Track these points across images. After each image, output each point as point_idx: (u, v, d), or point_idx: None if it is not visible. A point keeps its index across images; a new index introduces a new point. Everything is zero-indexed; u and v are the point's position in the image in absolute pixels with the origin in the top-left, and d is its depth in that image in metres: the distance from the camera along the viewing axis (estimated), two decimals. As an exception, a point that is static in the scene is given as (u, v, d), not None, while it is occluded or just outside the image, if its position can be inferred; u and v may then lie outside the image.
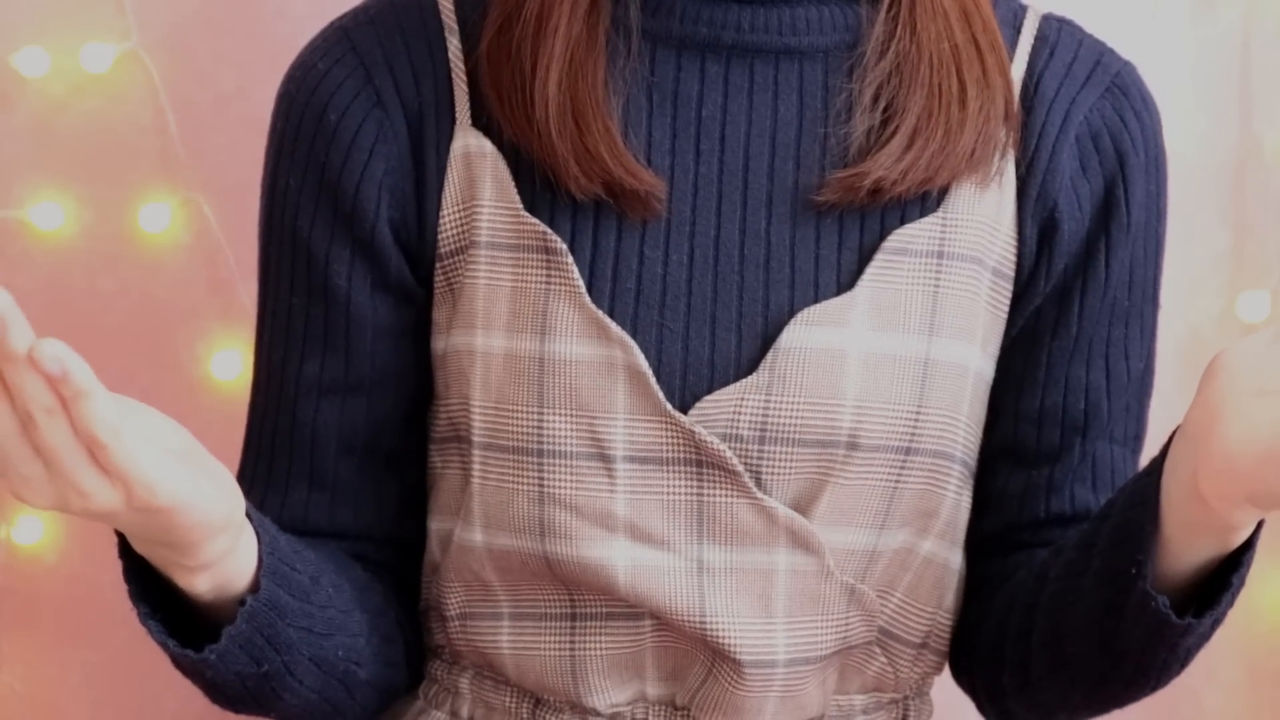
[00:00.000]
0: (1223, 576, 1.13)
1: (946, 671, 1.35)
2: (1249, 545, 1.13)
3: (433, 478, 1.28)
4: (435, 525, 1.28)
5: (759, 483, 1.20)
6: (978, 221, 1.25)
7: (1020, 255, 1.27)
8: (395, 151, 1.23)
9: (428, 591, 1.30)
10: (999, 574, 1.30)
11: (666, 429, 1.19)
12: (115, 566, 1.11)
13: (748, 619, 1.21)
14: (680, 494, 1.20)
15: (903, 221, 1.23)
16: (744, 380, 1.20)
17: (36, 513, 1.69)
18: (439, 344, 1.25)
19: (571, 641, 1.24)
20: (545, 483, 1.20)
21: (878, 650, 1.27)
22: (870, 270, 1.22)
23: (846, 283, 1.22)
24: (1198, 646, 1.17)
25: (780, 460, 1.20)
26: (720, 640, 1.21)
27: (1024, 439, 1.29)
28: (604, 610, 1.23)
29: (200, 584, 1.09)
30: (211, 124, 1.66)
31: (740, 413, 1.20)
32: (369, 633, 1.23)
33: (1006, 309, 1.27)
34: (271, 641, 1.13)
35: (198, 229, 1.67)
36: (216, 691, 1.15)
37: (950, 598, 1.29)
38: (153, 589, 1.11)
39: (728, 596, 1.21)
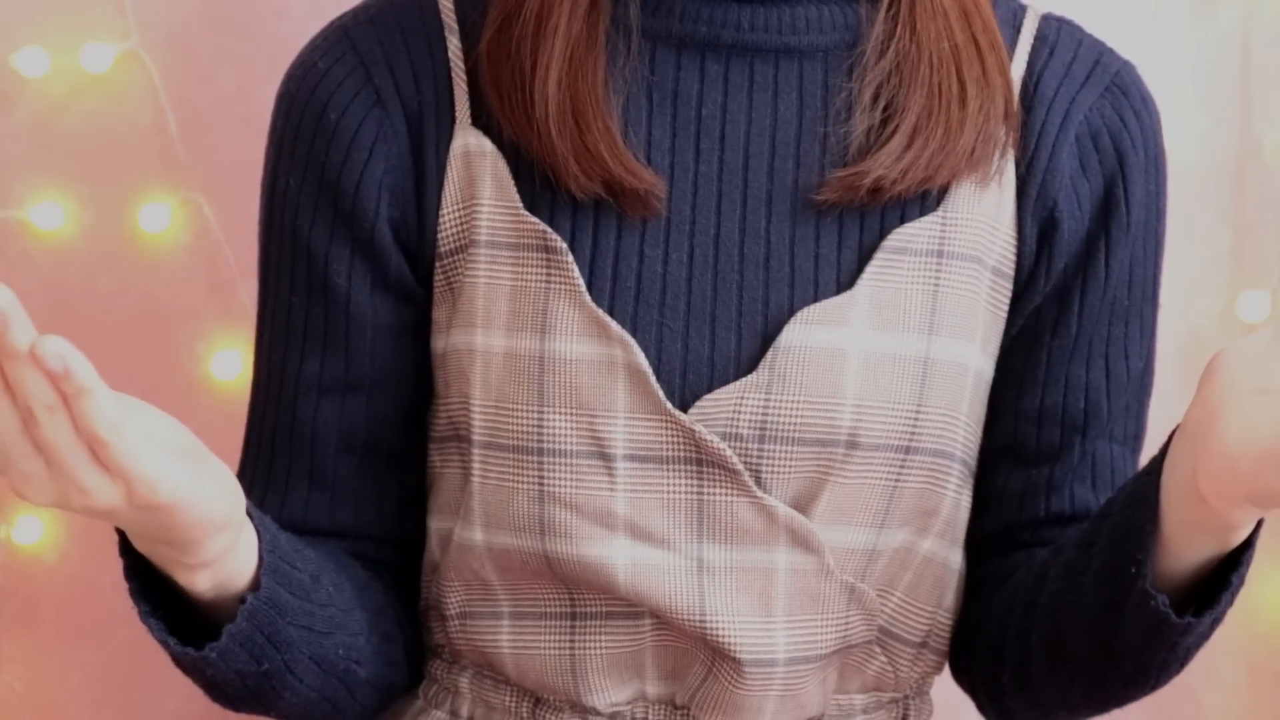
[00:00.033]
0: (1222, 576, 1.13)
1: (946, 671, 1.35)
2: (1248, 544, 1.13)
3: (432, 477, 1.29)
4: (435, 524, 1.28)
5: (759, 481, 1.21)
6: (977, 221, 1.25)
7: (1020, 254, 1.27)
8: (395, 150, 1.23)
9: (427, 591, 1.30)
10: (999, 573, 1.30)
11: (666, 428, 1.19)
12: (115, 566, 1.11)
13: (747, 618, 1.21)
14: (680, 493, 1.20)
15: (902, 221, 1.23)
16: (744, 379, 1.20)
17: (36, 513, 1.69)
18: (439, 343, 1.25)
19: (571, 641, 1.24)
20: (545, 481, 1.20)
21: (878, 649, 1.27)
22: (870, 269, 1.22)
23: (846, 282, 1.22)
24: (1197, 646, 1.17)
25: (780, 459, 1.20)
26: (720, 639, 1.21)
27: (1024, 438, 1.29)
28: (604, 609, 1.23)
29: (201, 582, 1.09)
30: (211, 124, 1.66)
31: (740, 411, 1.20)
32: (369, 631, 1.23)
33: (1006, 308, 1.27)
34: (272, 640, 1.13)
35: (198, 229, 1.67)
36: (217, 690, 1.16)
37: (950, 597, 1.29)
38: (153, 587, 1.11)
39: (727, 595, 1.21)
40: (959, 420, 1.24)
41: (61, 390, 0.95)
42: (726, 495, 1.20)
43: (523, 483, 1.21)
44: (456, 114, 1.23)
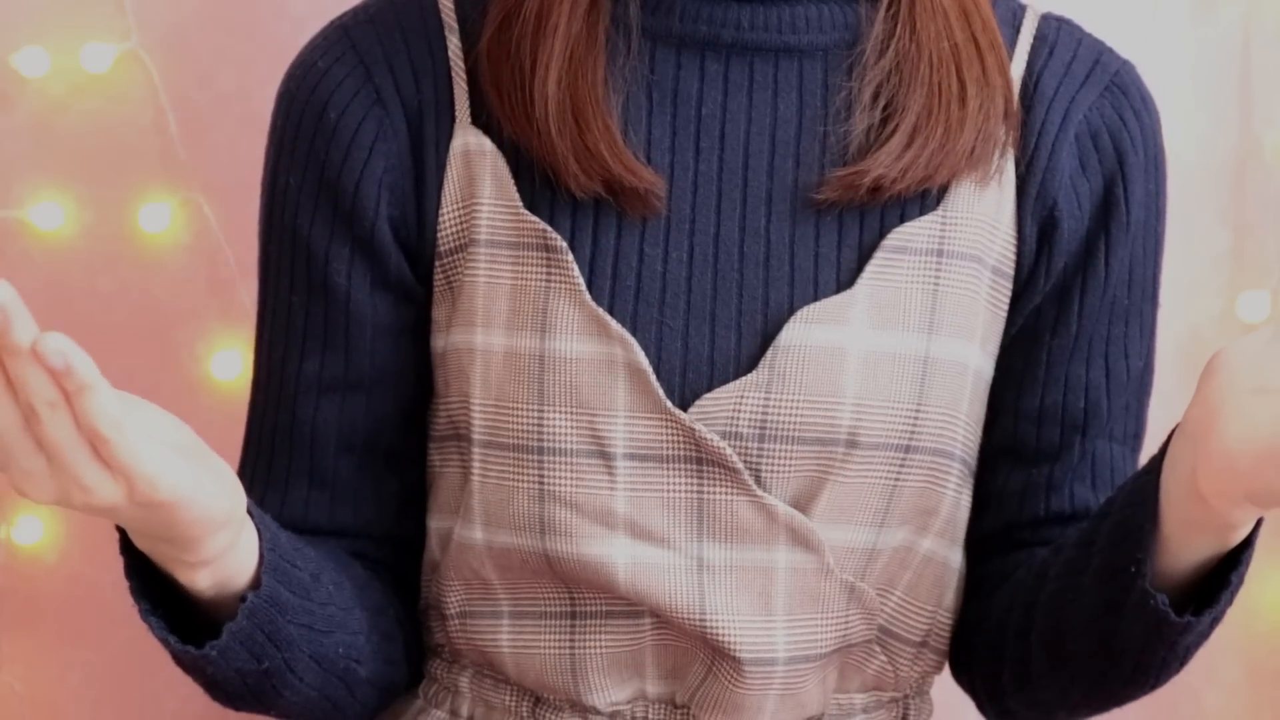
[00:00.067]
0: (1222, 575, 1.14)
1: (946, 671, 1.35)
2: (1248, 543, 1.13)
3: (432, 476, 1.29)
4: (435, 524, 1.28)
5: (759, 480, 1.21)
6: (977, 220, 1.25)
7: (1020, 254, 1.27)
8: (395, 149, 1.23)
9: (427, 590, 1.30)
10: (999, 573, 1.30)
11: (666, 426, 1.19)
12: (115, 566, 1.11)
13: (747, 617, 1.21)
14: (680, 491, 1.20)
15: (902, 220, 1.23)
16: (744, 378, 1.20)
17: (36, 513, 1.69)
18: (438, 342, 1.25)
19: (571, 640, 1.24)
20: (545, 480, 1.20)
21: (878, 649, 1.27)
22: (870, 268, 1.22)
23: (846, 281, 1.22)
24: (1197, 645, 1.17)
25: (780, 458, 1.20)
26: (720, 638, 1.21)
27: (1024, 437, 1.29)
28: (604, 608, 1.23)
29: (201, 580, 1.09)
30: (211, 124, 1.66)
31: (740, 410, 1.20)
32: (369, 630, 1.23)
33: (1006, 307, 1.27)
34: (272, 638, 1.13)
35: (198, 229, 1.67)
36: (217, 688, 1.16)
37: (950, 596, 1.29)
38: (154, 586, 1.11)
39: (727, 594, 1.21)
40: (959, 419, 1.24)
41: (63, 387, 0.95)
42: (726, 494, 1.20)
43: (523, 481, 1.21)
44: (456, 113, 1.23)
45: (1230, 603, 1.14)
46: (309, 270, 1.25)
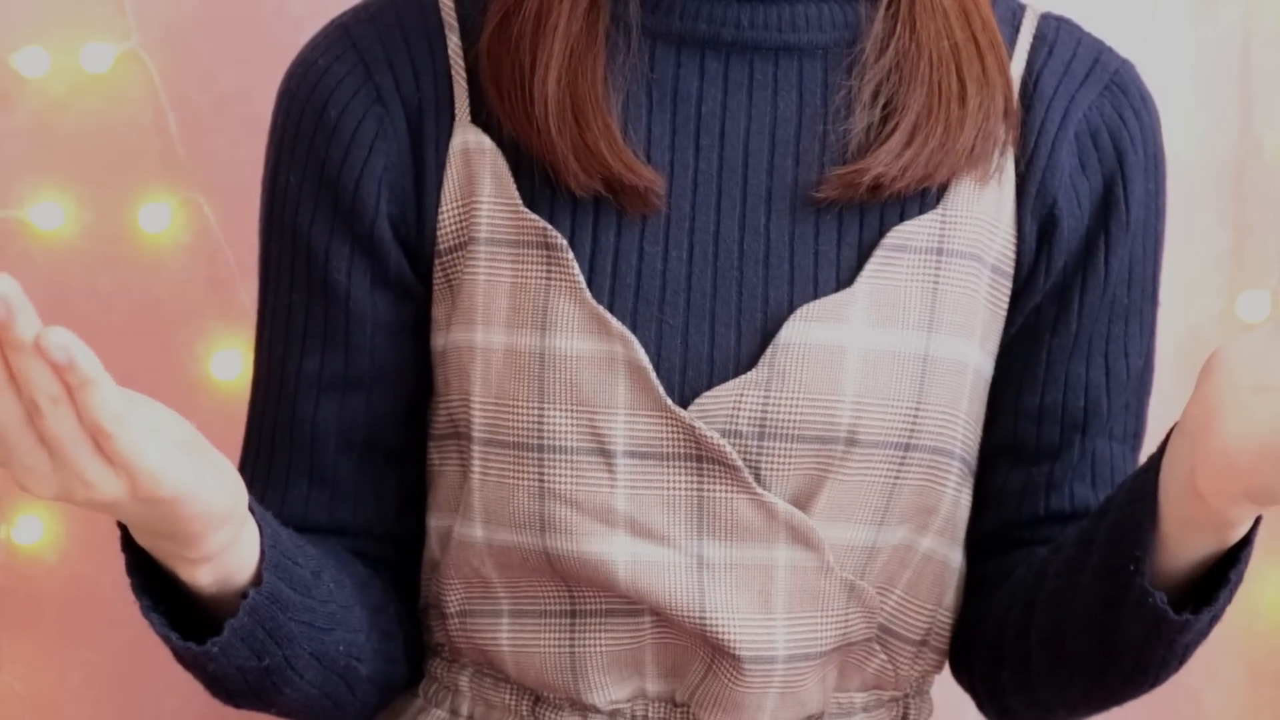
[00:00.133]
0: (1220, 573, 1.14)
1: (946, 670, 1.35)
2: (1247, 542, 1.13)
3: (431, 475, 1.29)
4: (434, 522, 1.28)
5: (758, 478, 1.21)
6: (977, 218, 1.25)
7: (1019, 252, 1.27)
8: (395, 148, 1.23)
9: (427, 589, 1.30)
10: (998, 572, 1.30)
11: (666, 424, 1.19)
12: (115, 566, 1.11)
13: (747, 615, 1.21)
14: (680, 489, 1.20)
15: (902, 218, 1.24)
16: (743, 376, 1.20)
17: (36, 513, 1.69)
18: (438, 340, 1.25)
19: (571, 638, 1.24)
20: (545, 478, 1.20)
21: (878, 647, 1.27)
22: (869, 267, 1.22)
23: (846, 279, 1.22)
24: (1196, 643, 1.17)
25: (779, 456, 1.20)
26: (720, 636, 1.21)
27: (1023, 436, 1.29)
28: (604, 607, 1.23)
29: (202, 577, 1.09)
30: (211, 124, 1.66)
31: (740, 408, 1.20)
32: (369, 628, 1.23)
33: (1006, 306, 1.27)
34: (273, 635, 1.13)
35: (198, 229, 1.67)
36: (218, 685, 1.16)
37: (950, 595, 1.29)
38: (155, 582, 1.11)
39: (727, 592, 1.21)
40: (958, 418, 1.24)
41: (66, 381, 0.95)
42: (726, 492, 1.20)
43: (523, 479, 1.21)
44: (456, 111, 1.24)
45: (1229, 601, 1.14)
46: (309, 268, 1.25)
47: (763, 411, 1.20)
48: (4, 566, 1.70)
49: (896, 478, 1.23)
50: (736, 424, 1.20)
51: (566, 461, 1.20)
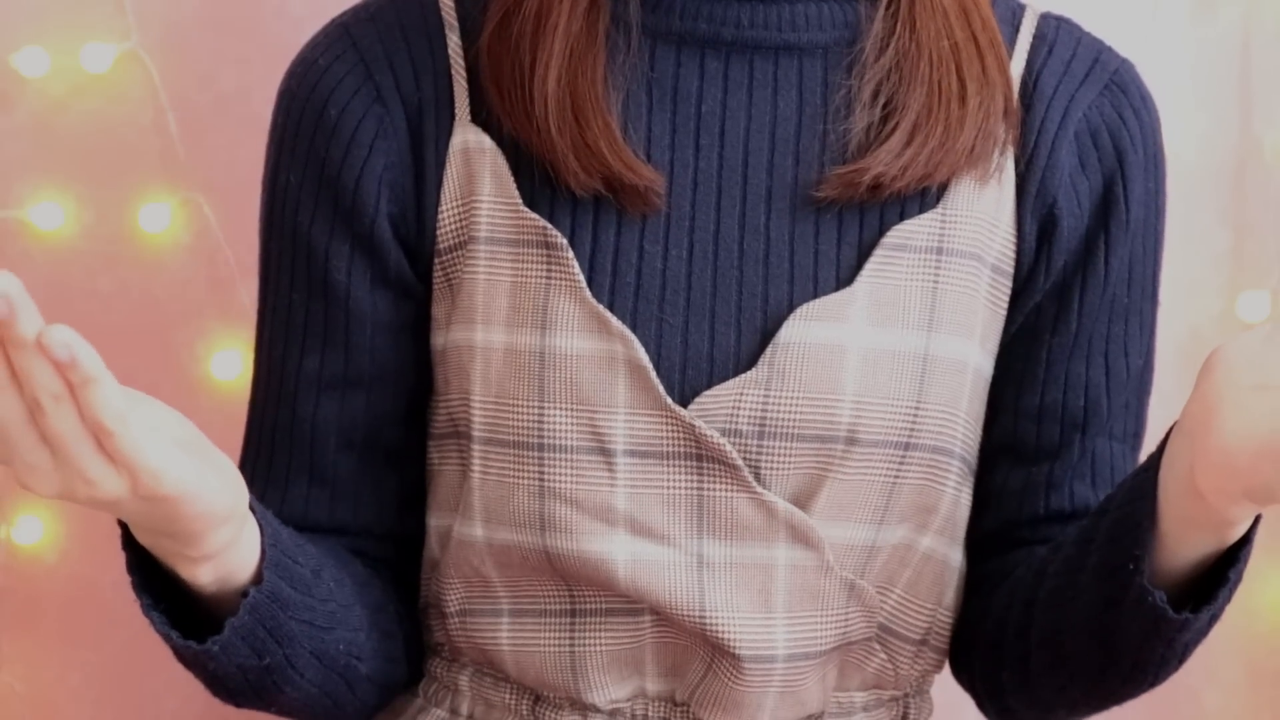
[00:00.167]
0: (1220, 572, 1.14)
1: (946, 670, 1.35)
2: (1246, 541, 1.13)
3: (431, 474, 1.29)
4: (434, 521, 1.28)
5: (758, 477, 1.21)
6: (977, 218, 1.25)
7: (1019, 252, 1.27)
8: (395, 147, 1.23)
9: (427, 588, 1.30)
10: (998, 571, 1.30)
11: (667, 423, 1.20)
12: (115, 566, 1.11)
13: (747, 614, 1.21)
14: (680, 488, 1.20)
15: (902, 217, 1.24)
16: (743, 375, 1.20)
17: (36, 512, 1.69)
18: (438, 339, 1.25)
19: (571, 637, 1.24)
20: (546, 477, 1.20)
21: (877, 647, 1.27)
22: (869, 266, 1.22)
23: (846, 278, 1.23)
24: (1195, 642, 1.17)
25: (779, 455, 1.20)
26: (720, 635, 1.21)
27: (1023, 436, 1.29)
28: (604, 606, 1.23)
29: (203, 575, 1.09)
30: (211, 124, 1.66)
31: (740, 407, 1.20)
32: (369, 627, 1.23)
33: (1005, 305, 1.28)
34: (273, 634, 1.13)
35: (198, 229, 1.67)
36: (218, 684, 1.16)
37: (950, 595, 1.29)
38: (155, 581, 1.11)
39: (727, 591, 1.21)
40: (958, 417, 1.24)
41: (68, 379, 0.95)
42: (726, 491, 1.20)
43: (523, 478, 1.21)
44: (456, 110, 1.24)
45: (1228, 600, 1.14)
46: (309, 267, 1.25)
47: (763, 411, 1.20)
48: (4, 566, 1.70)
49: (896, 477, 1.23)
50: (736, 423, 1.20)
51: (566, 460, 1.20)
